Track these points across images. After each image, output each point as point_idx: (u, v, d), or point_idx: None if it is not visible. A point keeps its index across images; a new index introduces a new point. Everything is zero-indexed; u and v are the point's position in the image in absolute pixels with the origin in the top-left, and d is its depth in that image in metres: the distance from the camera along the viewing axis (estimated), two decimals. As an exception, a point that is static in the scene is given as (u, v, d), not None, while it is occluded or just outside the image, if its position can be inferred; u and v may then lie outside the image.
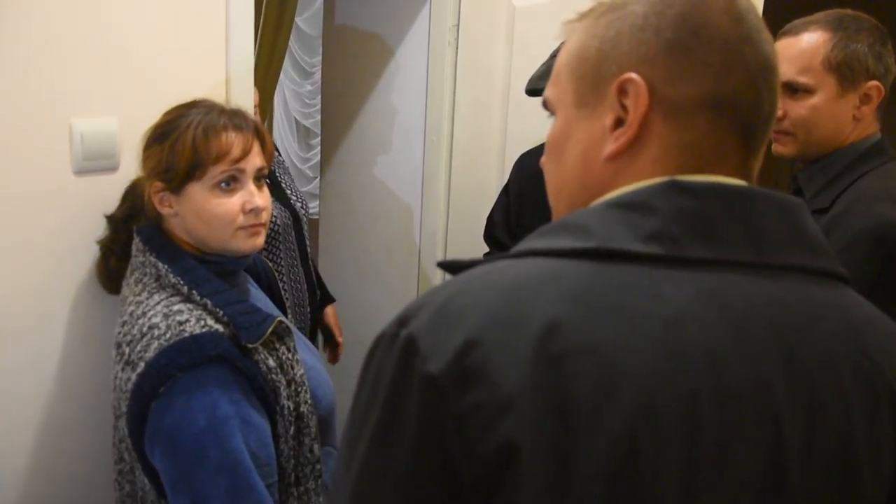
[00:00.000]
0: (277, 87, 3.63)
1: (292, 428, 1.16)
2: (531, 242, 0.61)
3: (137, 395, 1.08)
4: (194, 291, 1.13)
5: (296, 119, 6.16)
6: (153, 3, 1.41)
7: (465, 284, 0.57)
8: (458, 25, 2.34)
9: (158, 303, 1.13)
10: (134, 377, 1.09)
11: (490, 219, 2.07)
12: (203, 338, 1.08)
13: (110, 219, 1.35)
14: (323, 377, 1.28)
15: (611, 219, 0.59)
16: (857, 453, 0.57)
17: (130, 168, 1.36)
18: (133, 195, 1.34)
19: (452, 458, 0.51)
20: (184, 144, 1.16)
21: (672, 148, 0.61)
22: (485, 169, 2.36)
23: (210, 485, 1.05)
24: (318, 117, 4.86)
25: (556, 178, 0.69)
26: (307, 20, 5.21)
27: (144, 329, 1.11)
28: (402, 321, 0.56)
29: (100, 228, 1.36)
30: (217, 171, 1.17)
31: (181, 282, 1.14)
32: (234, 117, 1.20)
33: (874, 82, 1.32)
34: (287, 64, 5.17)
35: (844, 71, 1.31)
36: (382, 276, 2.70)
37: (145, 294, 1.16)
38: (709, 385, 0.53)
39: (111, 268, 1.34)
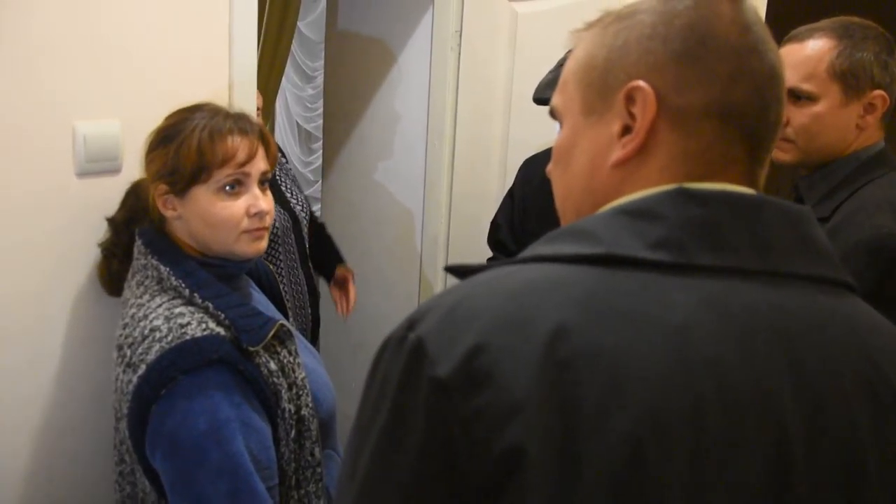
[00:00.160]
0: (279, 91, 3.64)
1: (293, 431, 1.16)
2: (539, 248, 0.62)
3: (138, 398, 1.08)
4: (196, 294, 1.13)
5: (298, 123, 6.16)
6: (156, 7, 1.41)
7: (474, 289, 0.57)
8: (460, 31, 2.35)
9: (160, 305, 1.13)
10: (135, 379, 1.09)
11: (494, 223, 2.07)
12: (204, 341, 1.08)
13: (111, 221, 1.35)
14: (324, 380, 1.28)
15: (618, 225, 0.59)
16: (862, 460, 0.57)
17: (133, 170, 1.36)
18: (133, 198, 1.34)
19: (459, 461, 0.51)
20: (189, 147, 1.16)
21: (679, 155, 0.62)
22: (486, 174, 2.36)
23: (210, 487, 1.05)
24: (320, 121, 4.87)
25: (563, 185, 0.70)
26: (309, 25, 5.21)
27: (146, 331, 1.11)
28: (411, 324, 0.56)
29: (101, 230, 1.36)
30: (222, 175, 1.17)
31: (183, 285, 1.14)
32: (239, 121, 1.20)
33: (879, 91, 1.30)
34: (289, 68, 5.17)
35: (849, 79, 1.29)
36: (384, 281, 2.70)
37: (147, 296, 1.16)
38: (714, 391, 0.53)
39: (113, 271, 1.34)
